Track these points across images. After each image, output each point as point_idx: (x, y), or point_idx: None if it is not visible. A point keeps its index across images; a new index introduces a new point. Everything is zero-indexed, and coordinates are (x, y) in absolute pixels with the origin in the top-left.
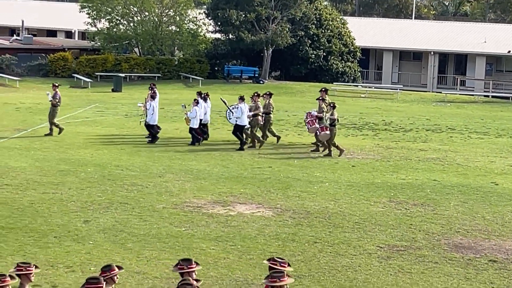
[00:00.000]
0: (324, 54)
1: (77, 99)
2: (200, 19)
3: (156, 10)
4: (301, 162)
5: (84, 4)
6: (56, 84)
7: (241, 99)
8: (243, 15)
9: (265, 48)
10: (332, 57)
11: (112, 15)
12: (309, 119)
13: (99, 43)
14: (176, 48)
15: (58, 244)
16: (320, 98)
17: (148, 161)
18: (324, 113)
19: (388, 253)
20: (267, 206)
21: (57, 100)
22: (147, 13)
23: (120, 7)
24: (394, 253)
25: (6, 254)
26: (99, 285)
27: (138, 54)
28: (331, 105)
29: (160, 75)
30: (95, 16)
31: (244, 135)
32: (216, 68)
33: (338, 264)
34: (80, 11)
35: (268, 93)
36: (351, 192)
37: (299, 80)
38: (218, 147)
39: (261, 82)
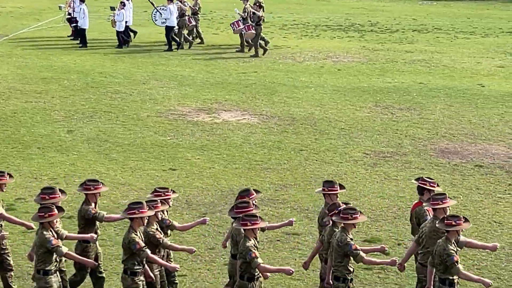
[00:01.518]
0: None
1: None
2: None
3: None
4: (286, 67)
5: None
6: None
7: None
8: None
9: None
10: None
11: None
12: (234, 21)
13: None
14: None
15: (41, 156)
16: None
17: (132, 67)
18: (248, 13)
19: (375, 159)
20: (252, 113)
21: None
22: None
23: None
24: (380, 160)
25: None
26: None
27: None
28: (257, 4)
29: None
30: None
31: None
32: None
33: (324, 172)
34: None
35: None
36: (337, 97)
37: None
38: (202, 51)
39: None
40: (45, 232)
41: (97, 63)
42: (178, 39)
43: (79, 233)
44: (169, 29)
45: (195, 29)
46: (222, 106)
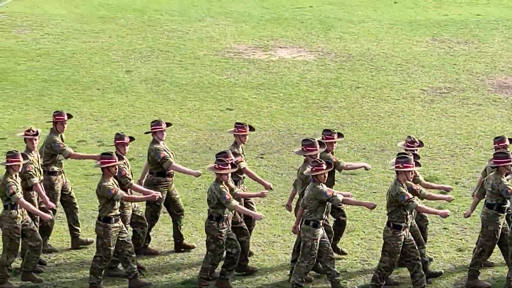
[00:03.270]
0: None
1: None
2: None
3: None
4: (342, 0)
5: None
6: None
7: None
8: None
9: None
10: None
11: None
12: None
13: None
14: None
15: (101, 97)
16: None
17: (187, 4)
18: None
19: (432, 96)
20: (308, 50)
21: None
22: None
23: None
24: (437, 96)
25: (51, 108)
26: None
27: None
28: None
29: None
30: None
31: None
32: None
33: (381, 109)
34: None
35: None
36: (393, 32)
37: None
38: None
39: None
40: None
41: (153, 0)
42: None
43: None
44: None
45: None
46: (278, 43)
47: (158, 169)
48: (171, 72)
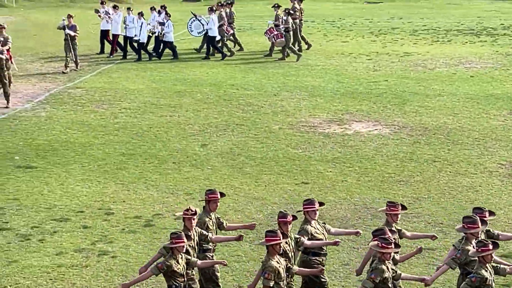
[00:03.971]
0: None
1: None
2: None
3: None
4: (417, 74)
5: None
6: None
7: (211, 10)
8: None
9: None
10: None
11: None
12: (267, 29)
13: None
14: None
15: (177, 170)
16: (275, 5)
17: (262, 78)
18: (281, 20)
19: (510, 170)
20: (384, 124)
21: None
22: None
23: None
24: None
25: (128, 182)
26: None
27: None
28: (286, 11)
29: None
30: None
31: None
32: None
33: (458, 184)
34: None
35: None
36: (470, 105)
37: None
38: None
39: None
40: None
41: (228, 75)
42: (221, 50)
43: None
44: (211, 39)
45: (233, 37)
46: (353, 117)
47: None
48: (246, 145)
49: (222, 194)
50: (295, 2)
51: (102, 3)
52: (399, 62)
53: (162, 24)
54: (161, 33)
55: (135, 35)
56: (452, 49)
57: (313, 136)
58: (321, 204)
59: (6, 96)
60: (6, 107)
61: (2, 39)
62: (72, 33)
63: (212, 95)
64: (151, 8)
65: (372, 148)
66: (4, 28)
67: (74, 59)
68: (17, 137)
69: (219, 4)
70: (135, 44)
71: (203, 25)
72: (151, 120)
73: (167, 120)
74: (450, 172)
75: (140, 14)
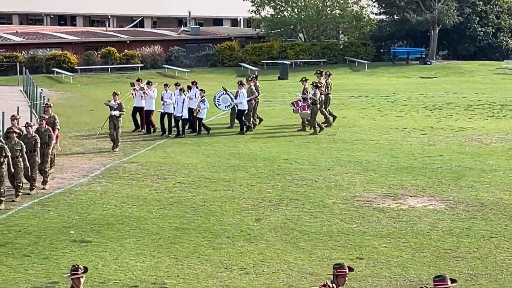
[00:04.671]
0: (493, 31)
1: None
2: (363, 1)
3: None
4: (472, 149)
5: None
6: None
7: (241, 84)
8: None
9: (431, 27)
10: (501, 34)
11: (277, 1)
12: (294, 101)
13: (264, 30)
14: (340, 31)
15: (231, 245)
16: (303, 79)
17: (316, 153)
18: (309, 93)
19: None
20: (439, 199)
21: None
22: None
23: None
24: None
25: (182, 256)
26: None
27: (303, 40)
28: (314, 84)
29: (325, 60)
30: (259, 3)
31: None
32: (382, 50)
33: None
34: None
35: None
36: None
37: (467, 59)
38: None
39: (429, 62)
40: None
41: (282, 150)
42: (247, 122)
43: None
44: (241, 113)
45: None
46: (408, 192)
47: None
48: (300, 220)
49: (350, 269)
50: (321, 77)
51: (138, 80)
52: (454, 137)
53: (202, 101)
54: (199, 110)
55: (179, 111)
56: (507, 124)
57: (368, 211)
58: (350, 269)
59: (44, 174)
60: (43, 188)
61: (48, 117)
62: (118, 113)
63: (266, 170)
64: (175, 84)
65: (428, 223)
66: (50, 106)
67: (115, 139)
68: (73, 211)
69: (249, 78)
70: (177, 120)
71: (231, 99)
72: (205, 194)
73: (221, 194)
74: (507, 248)
75: (181, 90)
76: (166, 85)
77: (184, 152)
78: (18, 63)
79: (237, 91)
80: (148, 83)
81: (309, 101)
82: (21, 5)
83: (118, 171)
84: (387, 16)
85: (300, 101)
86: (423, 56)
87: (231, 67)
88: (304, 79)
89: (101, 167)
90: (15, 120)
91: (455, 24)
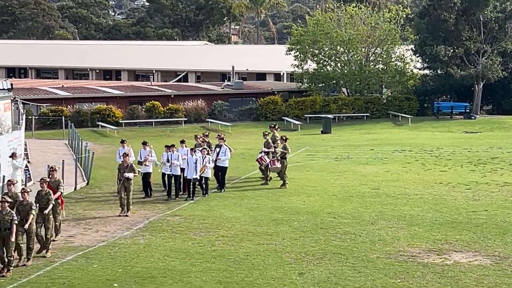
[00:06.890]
0: None
1: (288, 143)
2: (407, 56)
3: (363, 49)
4: None
5: (292, 46)
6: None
7: (221, 139)
8: (452, 50)
9: (475, 82)
10: None
11: (320, 56)
12: (258, 157)
13: (306, 84)
14: (383, 86)
15: None
16: (265, 133)
17: (360, 207)
18: (274, 147)
19: None
20: (484, 254)
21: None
22: (353, 53)
23: (327, 48)
24: None
25: None
26: None
27: (346, 94)
28: (283, 138)
29: (368, 114)
30: (302, 58)
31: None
32: (426, 105)
33: None
34: (287, 53)
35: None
36: None
37: None
38: (413, 188)
39: (473, 117)
40: None
41: (325, 204)
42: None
43: None
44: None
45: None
46: (453, 247)
47: None
48: (343, 275)
49: None
50: (275, 131)
51: (144, 143)
52: (499, 192)
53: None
54: (204, 169)
55: (191, 173)
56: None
57: (412, 266)
58: None
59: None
60: (43, 256)
61: (53, 180)
62: (131, 175)
63: (309, 224)
64: (181, 142)
65: (473, 279)
66: (56, 170)
67: (126, 203)
68: (116, 264)
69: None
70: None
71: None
72: (248, 248)
73: (264, 248)
74: None
75: (192, 150)
76: (182, 141)
77: (227, 205)
78: (63, 117)
79: (220, 145)
80: (144, 143)
81: (278, 154)
82: (68, 60)
83: (162, 224)
84: (430, 71)
85: (264, 156)
86: (467, 110)
87: (274, 121)
88: (266, 133)
89: (144, 220)
90: (12, 185)
91: (500, 78)
